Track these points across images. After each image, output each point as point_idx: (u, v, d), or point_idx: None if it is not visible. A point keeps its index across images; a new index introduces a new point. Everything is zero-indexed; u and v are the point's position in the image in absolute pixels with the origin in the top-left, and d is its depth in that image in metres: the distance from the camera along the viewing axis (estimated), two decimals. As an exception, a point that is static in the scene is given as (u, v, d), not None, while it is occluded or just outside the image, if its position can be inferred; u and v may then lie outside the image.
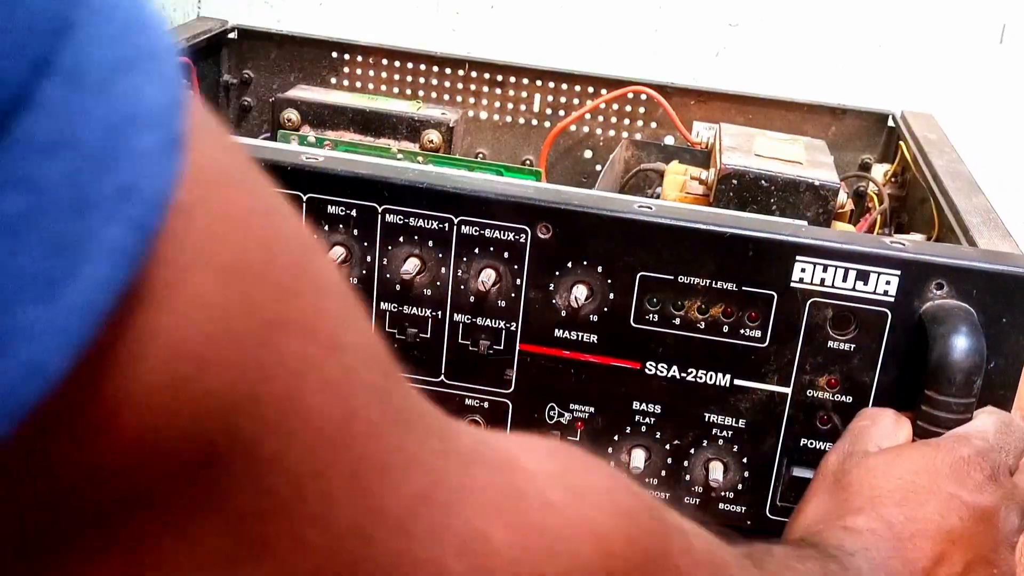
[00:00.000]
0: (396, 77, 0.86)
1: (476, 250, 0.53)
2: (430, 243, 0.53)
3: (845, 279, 0.50)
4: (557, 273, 0.52)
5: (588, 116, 0.84)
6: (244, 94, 0.87)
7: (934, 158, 0.72)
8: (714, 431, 0.54)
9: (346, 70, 0.86)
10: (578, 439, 0.55)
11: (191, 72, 0.79)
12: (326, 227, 0.53)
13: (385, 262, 0.53)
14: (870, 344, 0.51)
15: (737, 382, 0.53)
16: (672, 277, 0.51)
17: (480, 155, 0.86)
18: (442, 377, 0.55)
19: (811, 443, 0.53)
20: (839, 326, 0.51)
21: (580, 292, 0.52)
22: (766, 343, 0.52)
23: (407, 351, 0.54)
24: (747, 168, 0.66)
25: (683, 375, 0.53)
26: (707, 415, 0.54)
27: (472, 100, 0.85)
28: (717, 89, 0.83)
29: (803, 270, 0.50)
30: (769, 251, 0.51)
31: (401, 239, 0.53)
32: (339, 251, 0.54)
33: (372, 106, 0.79)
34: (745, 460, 0.54)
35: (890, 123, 0.82)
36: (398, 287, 0.53)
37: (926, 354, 0.49)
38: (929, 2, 1.05)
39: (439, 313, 0.54)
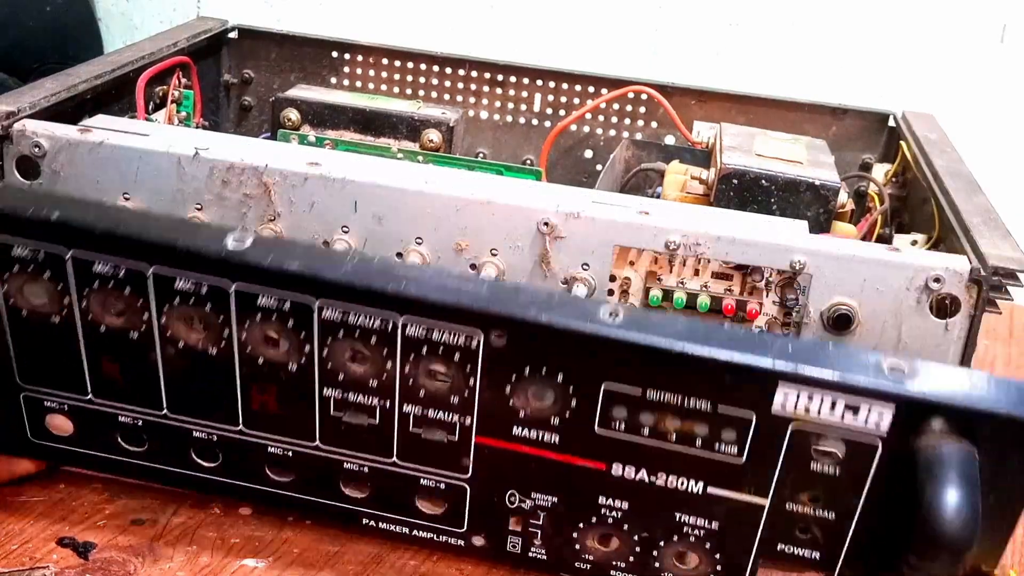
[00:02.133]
0: (396, 77, 0.86)
1: (424, 350, 0.48)
2: (372, 340, 0.48)
3: (832, 409, 0.45)
4: (513, 378, 0.48)
5: (588, 116, 0.84)
6: (244, 94, 0.87)
7: (934, 158, 0.72)
8: (685, 529, 0.50)
9: (346, 70, 0.86)
10: (540, 522, 0.51)
11: (192, 72, 0.79)
12: (258, 317, 0.48)
13: (325, 354, 0.49)
14: (857, 471, 0.46)
15: (711, 490, 0.48)
16: (640, 392, 0.47)
17: (480, 155, 0.86)
18: (395, 458, 0.51)
19: (789, 548, 0.49)
20: (823, 453, 0.46)
21: (539, 397, 0.48)
22: (743, 460, 0.47)
23: (356, 433, 0.50)
24: (748, 168, 0.66)
25: (652, 479, 0.49)
26: (678, 515, 0.49)
27: (472, 100, 0.85)
28: (717, 89, 0.83)
29: (785, 395, 0.45)
30: (747, 377, 0.45)
31: (341, 334, 0.48)
32: (276, 340, 0.49)
33: (372, 106, 0.79)
34: (718, 556, 0.50)
35: (890, 123, 0.82)
36: (341, 376, 0.49)
37: (912, 508, 0.44)
38: (929, 2, 1.05)
39: (387, 402, 0.50)
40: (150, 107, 0.75)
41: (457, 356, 0.48)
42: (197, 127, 0.79)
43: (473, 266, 0.59)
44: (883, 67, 1.07)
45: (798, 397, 0.45)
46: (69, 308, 0.50)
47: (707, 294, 0.60)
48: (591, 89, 0.84)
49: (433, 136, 0.78)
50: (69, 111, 0.65)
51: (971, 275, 0.56)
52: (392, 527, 0.53)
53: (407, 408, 0.50)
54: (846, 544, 0.49)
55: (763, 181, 0.66)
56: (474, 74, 0.85)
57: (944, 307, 0.57)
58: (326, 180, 0.59)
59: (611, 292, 0.60)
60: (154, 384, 0.51)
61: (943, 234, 0.65)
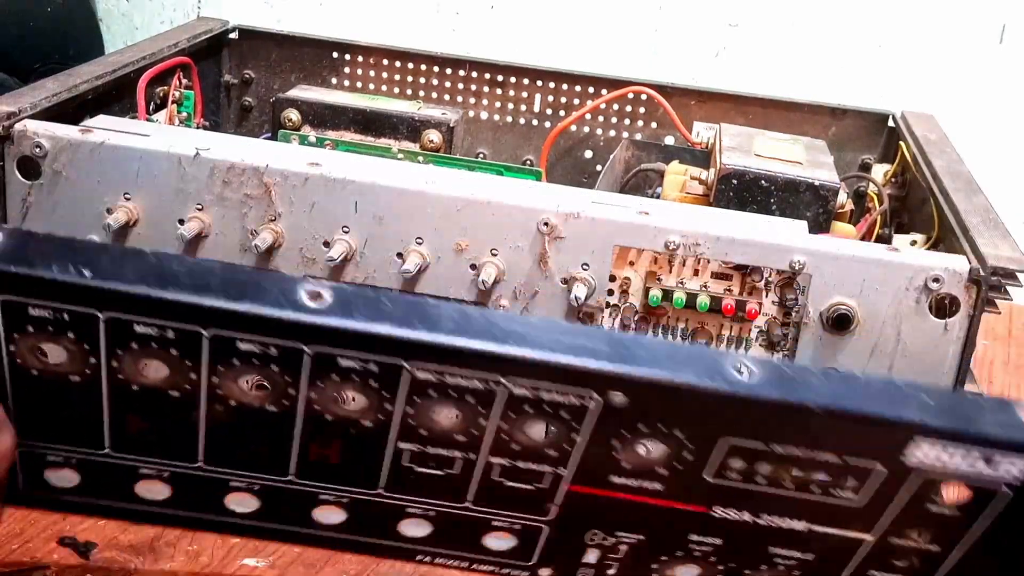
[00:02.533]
0: (396, 77, 0.86)
1: (527, 408, 0.43)
2: (470, 400, 0.42)
3: (965, 459, 0.43)
4: (626, 434, 0.43)
5: (588, 116, 0.84)
6: (245, 94, 0.87)
7: (934, 158, 0.72)
8: (777, 560, 0.47)
9: (346, 70, 0.86)
10: (619, 556, 0.48)
11: (192, 72, 0.79)
12: (336, 378, 0.42)
13: (411, 412, 0.43)
14: (978, 515, 0.45)
15: (815, 528, 0.46)
16: (764, 447, 0.44)
17: (480, 155, 0.86)
18: (467, 503, 0.46)
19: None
20: (949, 499, 0.45)
21: (651, 451, 0.44)
22: (860, 505, 0.45)
23: (427, 482, 0.45)
24: (747, 168, 0.66)
25: (755, 519, 0.46)
26: (772, 549, 0.47)
27: (472, 100, 0.86)
28: (717, 89, 0.83)
29: (920, 448, 0.43)
30: (883, 430, 0.43)
31: (432, 393, 0.42)
32: (353, 399, 0.43)
33: (372, 106, 0.79)
34: None
35: (890, 123, 0.83)
36: (423, 432, 0.44)
37: None
38: (929, 2, 1.05)
39: (471, 454, 0.44)
40: (151, 107, 0.75)
41: (565, 414, 0.43)
42: (198, 127, 0.79)
43: (473, 266, 0.59)
44: (883, 67, 1.07)
45: (933, 449, 0.43)
46: (95, 369, 0.43)
47: (707, 294, 0.60)
48: (591, 89, 0.84)
49: (433, 136, 0.78)
50: (70, 111, 0.65)
51: (970, 275, 0.56)
52: (450, 562, 0.49)
53: (494, 459, 0.45)
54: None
55: (763, 181, 0.66)
56: (474, 74, 0.85)
57: (943, 307, 0.57)
58: (326, 180, 0.59)
59: (611, 292, 0.60)
60: (190, 439, 0.45)
61: (942, 234, 0.65)
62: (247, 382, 0.43)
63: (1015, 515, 0.44)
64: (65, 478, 0.47)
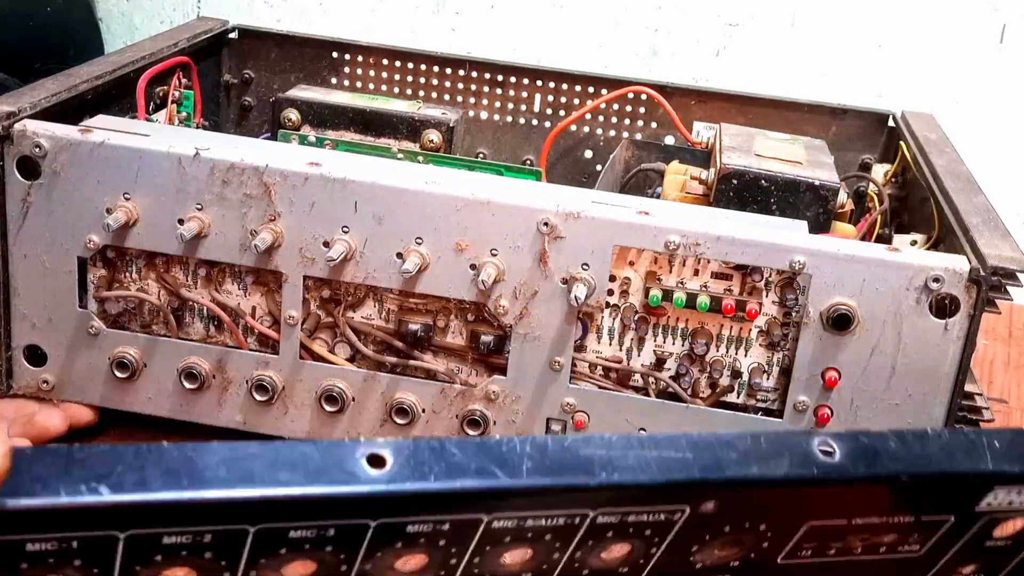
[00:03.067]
0: (396, 77, 0.86)
1: (610, 534, 0.40)
2: (547, 538, 0.39)
3: None
4: (707, 538, 0.42)
5: (588, 116, 0.84)
6: (244, 94, 0.87)
7: (934, 158, 0.72)
8: None
9: (346, 70, 0.86)
10: None
11: (192, 72, 0.79)
12: (399, 545, 0.38)
13: (477, 563, 0.39)
14: None
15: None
16: (845, 522, 0.43)
17: (480, 155, 0.86)
18: None
19: None
20: (1004, 532, 0.45)
21: (727, 549, 0.43)
22: (922, 553, 0.45)
23: None
24: (747, 168, 0.66)
25: None
26: None
27: (472, 100, 0.86)
28: (717, 89, 0.83)
29: (995, 495, 0.43)
30: (963, 485, 0.43)
31: (508, 540, 0.39)
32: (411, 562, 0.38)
33: (372, 106, 0.79)
34: None
35: (890, 123, 0.82)
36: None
37: None
38: (929, 2, 1.05)
39: None
40: (150, 107, 0.75)
41: (648, 532, 0.41)
42: (197, 127, 0.79)
43: (473, 266, 0.59)
44: (883, 67, 1.07)
45: (1008, 494, 0.43)
46: None
47: (707, 294, 0.60)
48: (591, 89, 0.84)
49: (433, 136, 0.78)
50: (70, 111, 0.65)
51: (971, 275, 0.56)
52: None
53: None
54: None
55: (763, 181, 0.66)
56: (474, 74, 0.85)
57: (944, 307, 0.57)
58: (326, 180, 0.59)
59: (611, 292, 0.60)
60: None
61: (943, 234, 0.65)
62: (292, 570, 0.37)
63: None
64: None
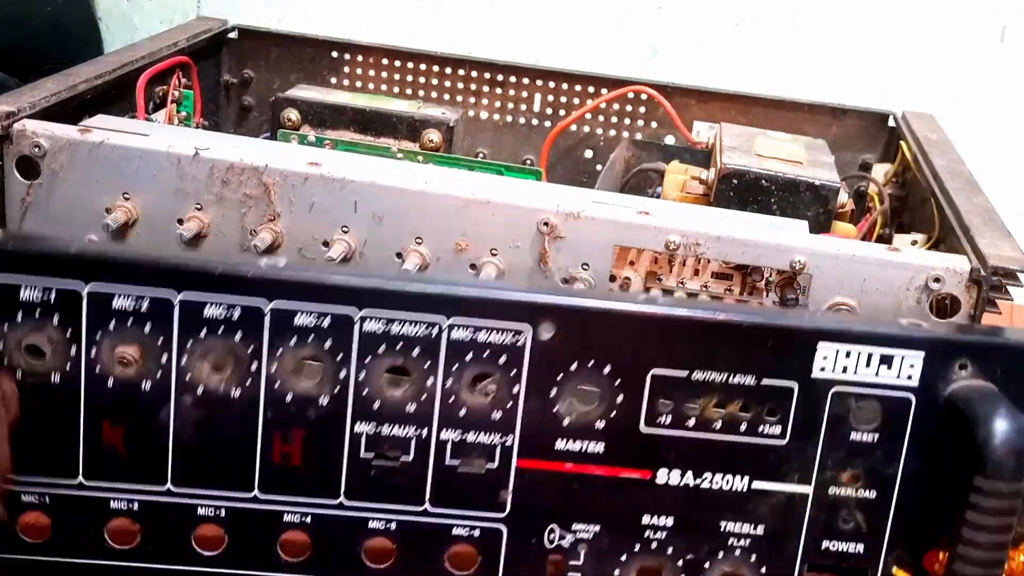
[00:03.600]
0: (396, 77, 0.86)
1: (469, 355, 0.47)
2: (415, 351, 0.47)
3: (868, 364, 0.48)
4: (560, 376, 0.47)
5: (588, 116, 0.84)
6: (244, 94, 0.87)
7: (934, 158, 0.72)
8: (730, 541, 0.50)
9: (346, 70, 0.86)
10: (581, 562, 0.50)
11: (192, 72, 0.79)
12: (293, 340, 0.46)
13: (363, 376, 0.47)
14: (894, 434, 0.49)
15: (756, 485, 0.49)
16: (687, 373, 0.48)
17: (480, 155, 0.86)
18: (426, 505, 0.49)
19: (833, 545, 0.50)
20: (862, 416, 0.49)
21: (585, 399, 0.48)
22: (786, 440, 0.49)
23: (386, 478, 0.48)
24: (747, 168, 0.66)
25: (697, 481, 0.49)
26: (723, 523, 0.50)
27: (472, 100, 0.85)
28: (717, 89, 0.83)
29: (825, 357, 0.47)
30: (790, 339, 0.48)
31: (382, 348, 0.47)
32: (310, 367, 0.47)
33: (372, 106, 0.79)
34: (764, 570, 0.50)
35: (890, 123, 0.82)
36: (376, 405, 0.47)
37: (967, 439, 0.46)
38: (929, 2, 1.05)
39: (424, 431, 0.48)
40: (150, 107, 0.75)
41: (503, 358, 0.47)
42: (197, 127, 0.79)
43: (473, 266, 0.59)
44: (883, 67, 1.07)
45: (836, 356, 0.47)
46: (75, 361, 0.46)
47: (707, 294, 0.60)
48: (591, 89, 0.84)
49: (433, 136, 0.78)
50: (69, 111, 0.65)
51: (971, 275, 0.56)
52: None
53: (444, 435, 0.48)
54: (888, 529, 0.50)
55: (763, 181, 0.66)
56: (474, 74, 0.85)
57: (944, 307, 0.57)
58: (326, 180, 0.59)
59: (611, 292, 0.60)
60: (161, 450, 0.47)
61: (943, 234, 0.65)
62: (211, 359, 0.46)
63: (926, 423, 0.48)
64: (35, 528, 0.48)
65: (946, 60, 1.06)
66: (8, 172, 0.60)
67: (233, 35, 0.86)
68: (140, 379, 0.47)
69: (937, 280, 0.56)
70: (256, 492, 0.48)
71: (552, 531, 0.49)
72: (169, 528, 0.48)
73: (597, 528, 0.49)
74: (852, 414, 0.48)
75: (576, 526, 0.49)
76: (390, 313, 0.46)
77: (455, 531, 0.49)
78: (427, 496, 0.48)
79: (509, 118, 0.85)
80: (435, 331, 0.47)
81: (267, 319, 0.46)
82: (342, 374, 0.47)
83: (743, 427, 0.48)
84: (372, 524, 0.49)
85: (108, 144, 0.60)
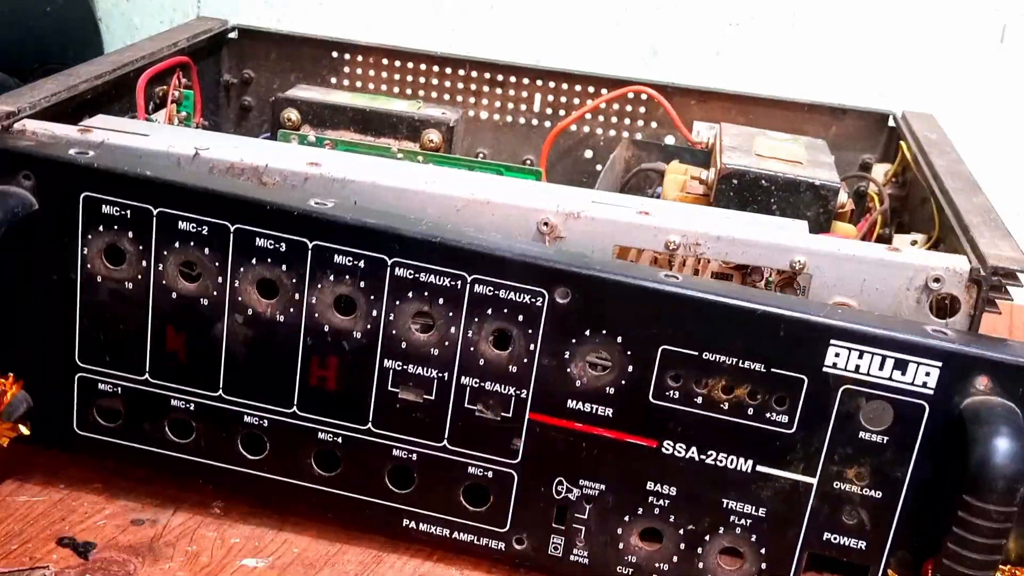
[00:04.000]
0: (396, 77, 0.86)
1: (489, 311, 0.50)
2: (440, 301, 0.50)
3: (882, 367, 0.47)
4: (574, 341, 0.50)
5: (588, 116, 0.84)
6: (244, 94, 0.87)
7: (934, 158, 0.72)
8: (732, 518, 0.50)
9: (346, 70, 0.86)
10: (586, 516, 0.52)
11: (192, 72, 0.79)
12: (331, 277, 0.51)
13: (392, 317, 0.51)
14: (904, 438, 0.48)
15: (760, 468, 0.50)
16: (696, 353, 0.48)
17: (480, 155, 0.86)
18: (445, 442, 0.52)
19: (835, 538, 0.50)
20: (872, 417, 0.48)
21: (597, 362, 0.49)
22: (793, 429, 0.49)
23: (409, 412, 0.52)
24: (747, 168, 0.66)
25: (702, 457, 0.50)
26: (725, 501, 0.50)
27: (472, 100, 0.85)
28: (717, 89, 0.83)
29: (837, 355, 0.47)
30: (802, 333, 0.47)
31: (410, 294, 0.51)
32: (345, 305, 0.52)
33: (372, 106, 0.79)
34: (763, 551, 0.51)
35: (890, 123, 0.82)
36: (404, 345, 0.51)
37: (965, 455, 0.46)
38: (929, 2, 1.05)
39: (446, 375, 0.51)
40: (150, 107, 0.75)
41: (521, 316, 0.49)
42: (197, 127, 0.79)
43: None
44: (883, 67, 1.07)
45: (849, 355, 0.47)
46: (145, 272, 0.52)
47: (707, 294, 0.59)
48: (591, 89, 0.84)
49: (433, 136, 0.78)
50: (69, 111, 0.65)
51: (971, 275, 0.56)
52: (433, 529, 0.53)
53: (464, 380, 0.51)
54: (892, 530, 0.50)
55: (763, 181, 0.66)
56: (474, 74, 0.85)
57: (944, 307, 0.57)
58: (326, 180, 0.59)
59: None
60: (214, 360, 0.53)
61: (943, 234, 0.65)
62: (260, 286, 0.51)
63: (939, 431, 0.48)
64: (110, 414, 0.55)
65: (946, 60, 1.06)
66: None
67: (233, 35, 0.86)
68: (199, 296, 0.52)
69: (937, 280, 0.56)
70: (295, 408, 0.52)
71: (560, 483, 0.51)
72: (219, 429, 0.54)
73: (603, 487, 0.51)
74: (862, 413, 0.48)
75: (583, 482, 0.51)
76: (418, 263, 0.50)
77: (470, 469, 0.52)
78: (446, 434, 0.52)
79: (509, 118, 0.85)
80: (459, 283, 0.50)
81: (309, 256, 0.50)
82: (374, 312, 0.51)
83: (750, 411, 0.49)
84: (395, 452, 0.52)
85: (108, 144, 0.60)
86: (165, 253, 0.52)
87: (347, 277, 0.51)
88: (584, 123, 0.84)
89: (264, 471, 0.54)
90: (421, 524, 0.53)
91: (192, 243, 0.51)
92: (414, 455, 0.52)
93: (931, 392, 0.47)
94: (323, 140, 0.77)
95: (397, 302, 0.50)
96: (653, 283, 0.49)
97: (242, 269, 0.51)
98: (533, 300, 0.49)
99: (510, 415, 0.51)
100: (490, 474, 0.52)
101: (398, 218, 0.51)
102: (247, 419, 0.53)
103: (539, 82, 0.84)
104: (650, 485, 0.51)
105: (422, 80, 0.85)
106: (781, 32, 1.08)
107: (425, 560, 0.54)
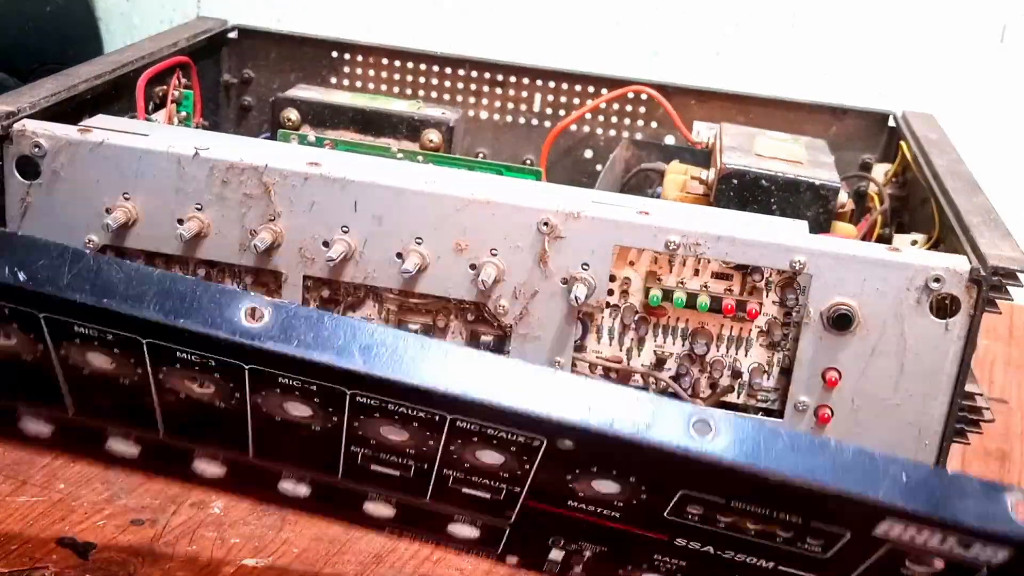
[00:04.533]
0: (396, 77, 0.86)
1: (474, 440, 0.41)
2: (415, 426, 0.41)
3: (942, 544, 0.40)
4: (577, 471, 0.42)
5: (588, 116, 0.84)
6: (244, 93, 0.87)
7: (935, 158, 0.72)
8: None
9: (346, 70, 0.86)
10: (584, 560, 0.47)
11: (192, 72, 0.79)
12: (279, 392, 0.41)
13: (358, 427, 0.42)
14: None
15: (782, 568, 0.44)
16: (723, 501, 0.41)
17: (480, 155, 0.86)
18: (427, 500, 0.46)
19: None
20: (920, 570, 0.42)
21: (605, 488, 0.42)
22: (826, 558, 0.43)
23: (383, 477, 0.45)
24: (747, 168, 0.66)
25: (719, 553, 0.44)
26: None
27: (472, 100, 0.85)
28: (717, 89, 0.83)
29: (891, 526, 0.40)
30: (850, 507, 0.39)
31: (377, 416, 0.42)
32: (297, 409, 0.42)
33: (372, 106, 0.79)
34: None
35: (890, 123, 0.82)
36: (373, 442, 0.43)
37: None
38: (929, 2, 1.05)
39: (425, 466, 0.43)
40: (150, 107, 0.75)
41: (513, 448, 0.41)
42: (197, 127, 0.79)
43: (473, 266, 0.59)
44: (883, 67, 1.07)
45: (906, 531, 0.40)
46: (44, 354, 0.43)
47: (707, 294, 0.60)
48: (591, 89, 0.83)
49: (433, 136, 0.78)
50: (69, 111, 0.65)
51: (971, 275, 0.56)
52: (419, 540, 0.50)
53: (447, 472, 0.44)
54: None
55: (763, 181, 0.66)
56: (474, 74, 0.85)
57: (944, 307, 0.57)
58: (326, 180, 0.59)
59: (611, 292, 0.60)
60: (149, 416, 0.44)
61: (943, 234, 0.65)
62: (193, 381, 0.42)
63: None
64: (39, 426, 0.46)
65: (946, 60, 1.06)
66: (8, 172, 0.60)
67: (233, 35, 0.86)
68: (117, 377, 0.43)
69: (937, 280, 0.56)
70: (251, 456, 0.46)
71: (558, 540, 0.46)
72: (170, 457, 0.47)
73: (604, 548, 0.46)
74: (908, 558, 0.42)
75: (583, 543, 0.46)
76: (383, 399, 0.41)
77: (457, 517, 0.47)
78: (428, 496, 0.46)
79: (509, 118, 0.85)
80: (437, 418, 0.41)
81: (246, 376, 0.41)
82: (332, 421, 0.43)
83: (779, 539, 0.42)
84: (372, 495, 0.46)
85: (108, 144, 0.60)
86: (64, 344, 0.42)
87: (297, 395, 0.42)
88: (584, 123, 0.84)
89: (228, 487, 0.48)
90: (405, 534, 0.49)
91: (96, 344, 0.42)
92: (393, 500, 0.46)
93: (994, 566, 0.40)
94: (323, 140, 0.77)
95: (361, 418, 0.42)
96: (677, 446, 0.39)
97: (164, 369, 0.42)
98: (528, 442, 0.41)
99: (502, 499, 0.44)
100: (480, 523, 0.46)
101: (357, 340, 0.39)
102: (198, 454, 0.46)
103: (539, 82, 0.84)
104: (657, 557, 0.45)
105: (422, 80, 0.85)
106: (781, 32, 1.08)
107: (425, 561, 0.54)
